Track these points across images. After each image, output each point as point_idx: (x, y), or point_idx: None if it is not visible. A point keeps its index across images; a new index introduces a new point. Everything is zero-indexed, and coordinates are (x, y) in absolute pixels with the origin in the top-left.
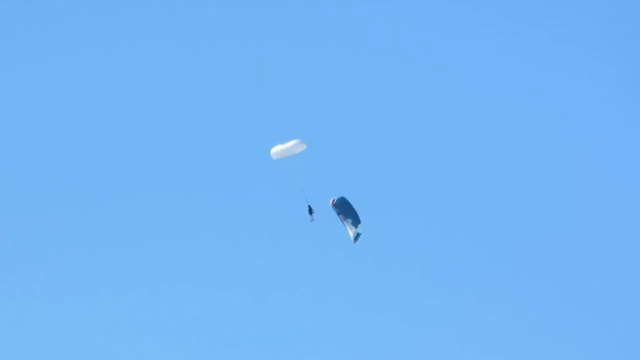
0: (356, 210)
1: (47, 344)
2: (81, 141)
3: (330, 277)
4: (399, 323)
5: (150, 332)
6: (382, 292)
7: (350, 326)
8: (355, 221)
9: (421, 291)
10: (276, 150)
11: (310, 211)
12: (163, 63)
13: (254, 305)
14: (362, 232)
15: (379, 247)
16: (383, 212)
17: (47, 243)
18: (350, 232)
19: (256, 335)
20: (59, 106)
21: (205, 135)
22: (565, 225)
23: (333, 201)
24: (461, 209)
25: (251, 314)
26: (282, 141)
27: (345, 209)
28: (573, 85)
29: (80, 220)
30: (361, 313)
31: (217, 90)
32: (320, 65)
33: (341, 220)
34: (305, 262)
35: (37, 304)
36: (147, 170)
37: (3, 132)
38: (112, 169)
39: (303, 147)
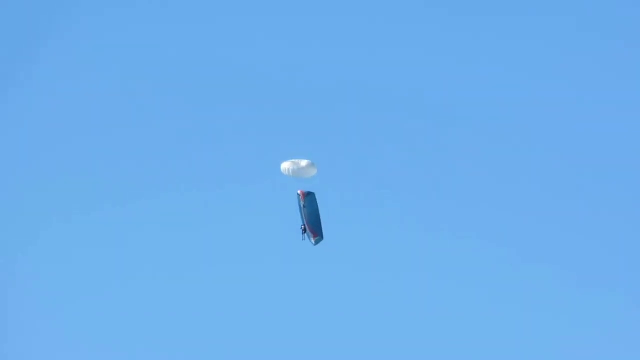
0: (320, 218)
1: None
2: None
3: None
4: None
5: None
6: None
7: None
8: (319, 228)
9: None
10: (286, 167)
11: (304, 230)
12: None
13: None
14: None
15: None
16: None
17: None
18: (313, 235)
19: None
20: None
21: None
22: None
23: (303, 194)
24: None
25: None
26: (293, 157)
27: (312, 208)
28: None
29: None
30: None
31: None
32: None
33: (301, 214)
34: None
35: None
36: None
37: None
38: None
39: (314, 171)
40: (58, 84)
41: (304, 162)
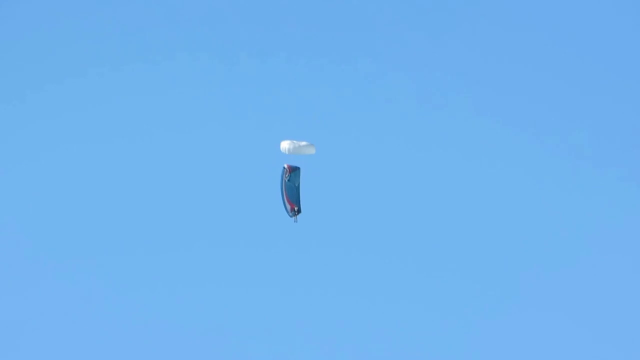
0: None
1: None
2: None
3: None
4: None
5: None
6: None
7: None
8: (298, 203)
9: None
10: (285, 147)
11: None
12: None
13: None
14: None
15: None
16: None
17: None
18: (291, 208)
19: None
20: None
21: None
22: None
23: (290, 168)
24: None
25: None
26: (292, 137)
27: (295, 183)
28: None
29: None
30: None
31: None
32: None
33: (282, 188)
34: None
35: None
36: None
37: None
38: None
39: (312, 150)
40: None
41: (302, 142)
